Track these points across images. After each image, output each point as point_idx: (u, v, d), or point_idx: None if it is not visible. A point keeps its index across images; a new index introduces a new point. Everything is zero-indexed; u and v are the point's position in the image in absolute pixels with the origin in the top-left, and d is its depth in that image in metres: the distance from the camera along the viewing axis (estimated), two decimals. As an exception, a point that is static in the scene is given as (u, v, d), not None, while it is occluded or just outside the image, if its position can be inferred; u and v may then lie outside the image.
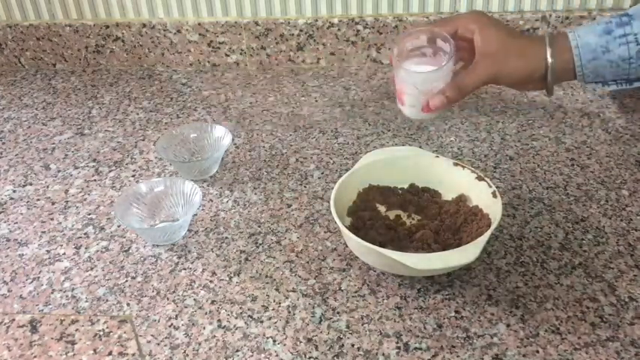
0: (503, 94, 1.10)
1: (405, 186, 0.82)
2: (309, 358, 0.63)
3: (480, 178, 0.76)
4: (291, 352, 0.64)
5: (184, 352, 0.65)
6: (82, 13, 1.26)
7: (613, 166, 0.90)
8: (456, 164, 0.78)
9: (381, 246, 0.67)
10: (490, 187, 0.74)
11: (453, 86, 0.70)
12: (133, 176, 0.95)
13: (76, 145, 1.04)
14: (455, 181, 0.78)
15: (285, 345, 0.65)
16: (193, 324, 0.68)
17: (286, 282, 0.73)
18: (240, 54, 1.26)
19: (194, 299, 0.71)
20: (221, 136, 0.93)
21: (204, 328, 0.67)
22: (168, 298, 0.72)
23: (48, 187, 0.94)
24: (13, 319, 0.70)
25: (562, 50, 0.66)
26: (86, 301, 0.72)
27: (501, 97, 1.09)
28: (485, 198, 0.74)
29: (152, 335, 0.67)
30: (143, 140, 1.04)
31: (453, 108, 1.07)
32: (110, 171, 0.96)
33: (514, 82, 0.72)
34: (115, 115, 1.13)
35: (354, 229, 0.73)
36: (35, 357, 0.65)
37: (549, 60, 0.66)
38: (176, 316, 0.69)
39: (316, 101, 1.12)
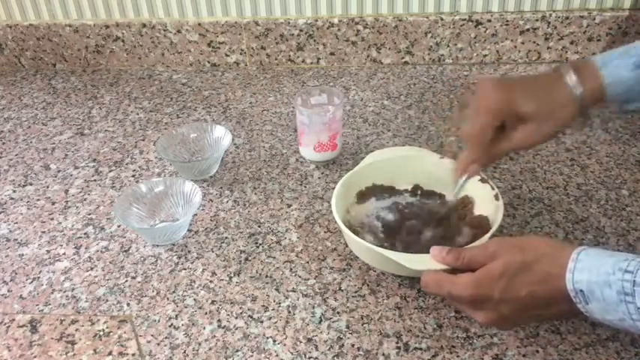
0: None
1: (409, 187, 0.82)
2: (309, 358, 0.63)
3: (483, 181, 0.76)
4: (291, 352, 0.64)
5: (184, 352, 0.65)
6: (82, 13, 1.26)
7: (613, 166, 0.90)
8: None
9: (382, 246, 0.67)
10: (493, 189, 0.74)
11: (487, 155, 0.67)
12: (133, 176, 0.95)
13: (76, 145, 1.04)
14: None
15: (285, 345, 0.65)
16: (193, 324, 0.68)
17: (286, 282, 0.73)
18: (240, 54, 1.26)
19: (194, 299, 0.71)
20: (221, 136, 0.93)
21: (204, 328, 0.67)
22: (168, 298, 0.72)
23: (48, 187, 0.93)
24: (13, 319, 0.70)
25: (592, 86, 0.63)
26: (86, 301, 0.72)
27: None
28: (487, 200, 0.74)
29: (152, 335, 0.67)
30: (143, 140, 1.04)
31: (453, 108, 1.07)
32: (110, 171, 0.96)
33: (550, 139, 0.67)
34: (115, 115, 1.13)
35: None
36: (35, 357, 0.65)
37: (575, 89, 0.63)
38: (176, 316, 0.69)
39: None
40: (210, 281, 0.74)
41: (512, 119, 0.64)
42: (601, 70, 0.63)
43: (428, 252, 0.63)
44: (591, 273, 0.50)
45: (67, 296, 0.73)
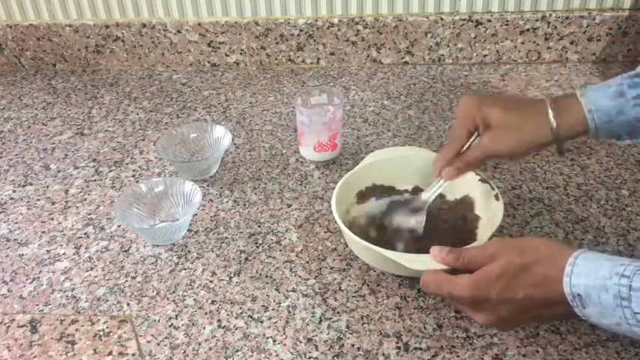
0: (502, 93, 1.11)
1: (409, 187, 0.82)
2: (309, 358, 0.63)
3: (483, 181, 0.76)
4: (291, 352, 0.64)
5: (184, 352, 0.65)
6: (82, 13, 1.26)
7: (613, 166, 0.90)
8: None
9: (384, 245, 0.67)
10: (493, 189, 0.74)
11: (461, 159, 0.71)
12: (133, 176, 0.95)
13: (76, 145, 1.04)
14: (458, 182, 0.78)
15: (285, 345, 0.65)
16: (193, 324, 0.68)
17: (286, 282, 0.73)
18: (240, 54, 1.26)
19: (194, 299, 0.71)
20: (221, 136, 0.93)
21: (204, 328, 0.67)
22: (168, 298, 0.72)
23: (48, 187, 0.94)
24: (13, 319, 0.70)
25: (568, 115, 0.64)
26: (86, 301, 0.72)
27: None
28: (487, 200, 0.74)
29: (152, 335, 0.67)
30: (143, 140, 1.04)
31: (453, 108, 1.07)
32: (110, 171, 0.96)
33: (518, 154, 0.69)
34: (115, 115, 1.13)
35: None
36: (35, 357, 0.65)
37: (554, 125, 0.64)
38: (176, 316, 0.69)
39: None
40: (210, 281, 0.74)
41: (482, 126, 0.67)
42: (580, 99, 0.63)
43: (428, 252, 0.63)
44: (588, 277, 0.51)
45: (67, 296, 0.73)
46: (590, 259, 0.52)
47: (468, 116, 0.68)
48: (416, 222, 0.74)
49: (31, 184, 0.94)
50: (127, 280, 0.75)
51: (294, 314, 0.68)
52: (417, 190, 0.81)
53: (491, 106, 0.66)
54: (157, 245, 0.80)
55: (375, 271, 0.73)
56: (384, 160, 0.82)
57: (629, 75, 0.63)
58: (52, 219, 0.86)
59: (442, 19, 1.17)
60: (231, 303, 0.70)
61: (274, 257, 0.76)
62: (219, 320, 0.68)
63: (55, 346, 0.67)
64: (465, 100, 0.69)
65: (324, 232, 0.80)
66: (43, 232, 0.84)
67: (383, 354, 0.63)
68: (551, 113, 0.64)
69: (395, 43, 1.21)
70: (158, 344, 0.66)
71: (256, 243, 0.79)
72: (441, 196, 0.80)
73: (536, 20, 1.16)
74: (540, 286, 0.54)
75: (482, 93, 1.11)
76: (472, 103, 0.68)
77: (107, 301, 0.72)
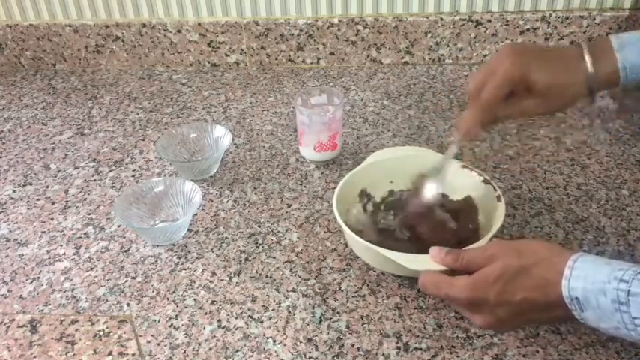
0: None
1: (409, 188, 0.82)
2: (309, 358, 0.63)
3: (486, 182, 0.76)
4: (291, 352, 0.64)
5: (184, 352, 0.65)
6: (82, 13, 1.26)
7: (613, 166, 0.90)
8: (463, 167, 0.78)
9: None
10: (495, 190, 0.74)
11: (488, 116, 0.66)
12: (133, 176, 0.95)
13: (76, 145, 1.04)
14: (461, 183, 0.78)
15: (285, 345, 0.65)
16: (193, 324, 0.68)
17: (286, 282, 0.73)
18: (240, 54, 1.26)
19: (194, 299, 0.71)
20: (221, 136, 0.93)
21: (204, 328, 0.67)
22: (168, 298, 0.72)
23: (48, 187, 0.93)
24: (13, 319, 0.70)
25: (605, 69, 0.63)
26: (86, 301, 0.72)
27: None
28: (489, 201, 0.74)
29: (152, 335, 0.67)
30: (143, 140, 1.04)
31: (454, 108, 1.07)
32: (110, 171, 0.96)
33: (547, 84, 0.64)
34: (115, 115, 1.13)
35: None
36: (35, 357, 0.65)
37: (591, 70, 0.63)
38: (176, 316, 0.69)
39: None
40: (210, 281, 0.74)
41: (523, 88, 0.64)
42: (617, 54, 0.62)
43: (427, 252, 0.63)
44: (587, 281, 0.51)
45: (67, 296, 0.73)
46: (588, 262, 0.52)
47: (509, 80, 0.63)
48: (437, 187, 0.73)
49: (31, 184, 0.94)
50: (127, 280, 0.75)
51: (294, 314, 0.68)
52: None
53: (537, 72, 0.63)
54: (157, 245, 0.80)
55: (375, 271, 0.73)
56: (385, 160, 0.82)
57: None
58: (52, 219, 0.86)
59: (442, 19, 1.17)
60: (231, 303, 0.70)
61: (274, 257, 0.76)
62: (219, 320, 0.68)
63: (55, 346, 0.67)
64: (508, 60, 0.64)
65: (324, 232, 0.80)
66: (43, 232, 0.84)
67: (383, 354, 0.63)
68: (590, 68, 0.63)
69: (395, 43, 1.21)
70: (158, 344, 0.66)
71: (256, 243, 0.79)
72: (443, 196, 0.80)
73: (536, 20, 1.16)
74: (539, 288, 0.54)
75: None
76: (516, 65, 0.63)
77: (107, 301, 0.72)
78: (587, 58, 0.63)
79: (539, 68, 0.63)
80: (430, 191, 0.73)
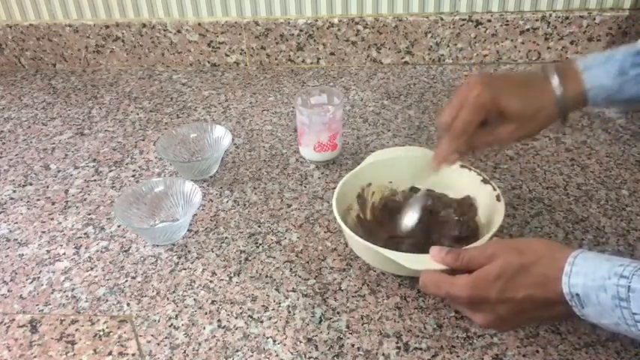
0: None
1: (408, 188, 0.81)
2: (309, 358, 0.63)
3: (485, 181, 0.76)
4: (291, 352, 0.64)
5: (184, 352, 0.65)
6: (82, 13, 1.26)
7: (613, 166, 0.90)
8: (462, 166, 0.78)
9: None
10: (495, 190, 0.74)
11: (465, 145, 0.67)
12: (133, 176, 0.95)
13: (76, 145, 1.04)
14: (460, 182, 0.78)
15: (285, 345, 0.65)
16: (193, 324, 0.68)
17: (286, 282, 0.73)
18: (240, 54, 1.26)
19: (194, 299, 0.71)
20: (221, 136, 0.93)
21: (204, 328, 0.67)
22: (168, 298, 0.72)
23: (48, 187, 0.93)
24: (13, 319, 0.70)
25: (572, 91, 0.64)
26: (86, 301, 0.72)
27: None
28: (489, 201, 0.74)
29: (152, 335, 0.67)
30: (143, 140, 1.04)
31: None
32: (110, 171, 0.96)
33: (519, 109, 0.65)
34: (115, 115, 1.13)
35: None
36: (35, 357, 0.65)
37: (558, 92, 0.63)
38: (176, 316, 0.69)
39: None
40: (210, 281, 0.74)
41: (495, 116, 0.65)
42: (582, 75, 0.64)
43: (427, 252, 0.63)
44: (587, 277, 0.51)
45: (67, 296, 0.73)
46: (589, 258, 0.52)
47: (481, 107, 0.64)
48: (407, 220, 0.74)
49: (31, 184, 0.94)
50: (127, 280, 0.75)
51: (294, 314, 0.68)
52: (415, 190, 0.81)
53: (508, 97, 0.64)
54: (157, 245, 0.80)
55: (375, 271, 0.73)
56: (385, 160, 0.82)
57: (633, 52, 0.63)
58: (52, 219, 0.86)
59: (442, 19, 1.17)
60: (231, 303, 0.70)
61: (274, 257, 0.76)
62: (219, 320, 0.68)
63: (55, 346, 0.67)
64: (476, 89, 0.64)
65: (324, 232, 0.80)
66: (43, 232, 0.84)
67: (383, 354, 0.63)
68: (558, 93, 0.64)
69: (395, 43, 1.21)
70: (158, 344, 0.66)
71: (256, 243, 0.79)
72: (443, 196, 0.80)
73: (536, 20, 1.16)
74: (540, 285, 0.54)
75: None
76: (486, 93, 0.64)
77: (107, 301, 0.72)
78: (554, 82, 0.64)
79: (510, 94, 0.64)
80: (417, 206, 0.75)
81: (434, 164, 0.70)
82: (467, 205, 0.77)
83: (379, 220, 0.79)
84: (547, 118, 0.65)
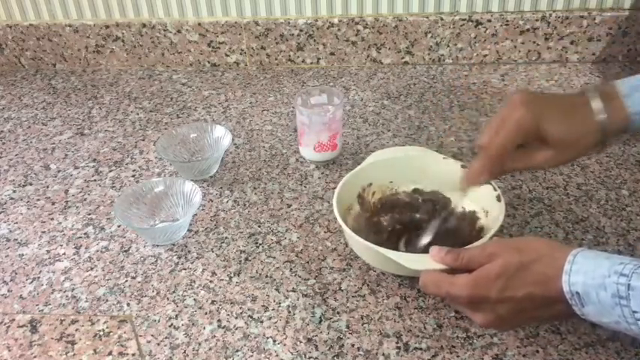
0: (502, 93, 1.11)
1: (409, 189, 0.81)
2: (309, 358, 0.63)
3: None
4: (291, 352, 0.64)
5: (184, 352, 0.65)
6: (82, 13, 1.26)
7: (613, 166, 0.90)
8: (462, 166, 0.78)
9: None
10: (495, 190, 0.74)
11: (498, 167, 0.65)
12: (133, 176, 0.95)
13: (76, 145, 1.04)
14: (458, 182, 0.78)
15: (285, 345, 0.65)
16: (193, 324, 0.68)
17: (286, 282, 0.73)
18: (240, 54, 1.26)
19: (194, 299, 0.71)
20: (221, 136, 0.93)
21: (204, 328, 0.67)
22: (168, 298, 0.72)
23: (48, 187, 0.94)
24: (13, 319, 0.70)
25: (615, 118, 0.61)
26: (86, 301, 0.72)
27: (501, 96, 1.09)
28: (489, 201, 0.74)
29: (152, 335, 0.67)
30: (143, 140, 1.04)
31: (454, 108, 1.07)
32: (110, 171, 0.96)
33: (562, 135, 0.62)
34: (115, 115, 1.13)
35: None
36: (35, 357, 0.65)
37: (601, 116, 0.60)
38: (176, 316, 0.69)
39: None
40: (210, 281, 0.74)
41: (535, 139, 0.62)
42: (625, 99, 0.61)
43: (427, 252, 0.63)
44: (587, 275, 0.51)
45: (67, 296, 0.73)
46: (589, 257, 0.52)
47: (521, 130, 0.62)
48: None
49: (31, 184, 0.94)
50: (127, 280, 0.75)
51: (294, 314, 0.68)
52: (416, 192, 0.81)
53: (551, 122, 0.61)
54: (157, 245, 0.80)
55: (375, 271, 0.73)
56: (385, 160, 0.82)
57: None
58: (52, 219, 0.86)
59: (442, 19, 1.17)
60: (231, 303, 0.70)
61: (274, 257, 0.76)
62: (219, 320, 0.68)
63: (55, 346, 0.67)
64: (518, 110, 0.62)
65: (324, 232, 0.80)
66: (43, 232, 0.84)
67: (383, 354, 0.63)
68: (602, 119, 0.61)
69: (395, 43, 1.21)
70: (158, 344, 0.66)
71: (256, 243, 0.79)
72: (445, 198, 0.80)
73: (536, 20, 1.16)
74: (540, 284, 0.54)
75: (482, 93, 1.11)
76: (528, 115, 0.61)
77: (107, 301, 0.72)
78: (597, 106, 0.61)
79: (553, 119, 0.61)
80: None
81: (463, 183, 0.68)
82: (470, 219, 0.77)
83: (380, 220, 0.79)
84: (587, 146, 0.63)
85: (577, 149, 0.63)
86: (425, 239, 0.73)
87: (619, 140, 0.92)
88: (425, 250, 0.71)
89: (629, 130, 0.62)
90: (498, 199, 0.72)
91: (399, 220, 0.78)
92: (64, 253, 0.80)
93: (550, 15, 1.16)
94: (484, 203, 0.75)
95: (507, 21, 1.17)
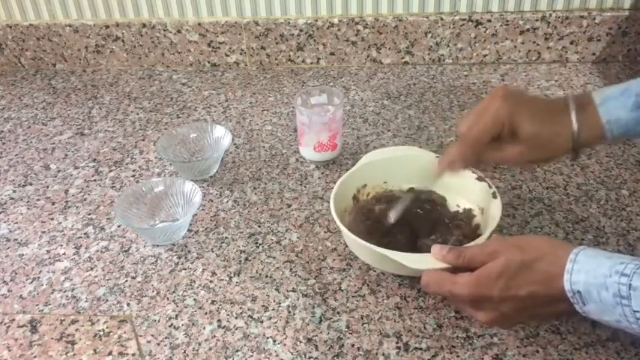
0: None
1: (406, 188, 0.81)
2: (309, 358, 0.63)
3: (480, 179, 0.76)
4: (291, 352, 0.64)
5: (184, 352, 0.65)
6: (82, 13, 1.26)
7: (613, 166, 0.90)
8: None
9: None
10: (490, 187, 0.74)
11: (471, 158, 0.67)
12: (133, 176, 0.95)
13: (76, 145, 1.04)
14: (455, 181, 0.78)
15: (285, 345, 0.65)
16: (193, 324, 0.68)
17: (286, 282, 0.73)
18: (240, 54, 1.26)
19: (194, 299, 0.71)
20: (221, 136, 0.93)
21: (204, 328, 0.67)
22: (168, 298, 0.72)
23: (48, 187, 0.94)
24: (13, 319, 0.70)
25: (588, 126, 0.62)
26: (86, 301, 0.72)
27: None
28: (485, 198, 0.74)
29: (152, 335, 0.67)
30: (143, 140, 1.04)
31: (454, 108, 1.07)
32: (110, 171, 0.96)
33: (532, 132, 0.64)
34: (115, 115, 1.13)
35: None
36: (35, 357, 0.65)
37: (575, 126, 0.62)
38: (176, 316, 0.69)
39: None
40: (210, 281, 0.74)
41: (508, 134, 0.64)
42: (599, 109, 0.62)
43: (428, 251, 0.63)
44: (588, 274, 0.51)
45: (67, 296, 0.73)
46: (590, 256, 0.52)
47: (498, 120, 0.63)
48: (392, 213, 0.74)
49: (31, 184, 0.94)
50: (127, 280, 0.75)
51: (294, 314, 0.68)
52: (411, 191, 0.81)
53: (525, 117, 0.63)
54: (157, 245, 0.80)
55: (375, 271, 0.73)
56: (382, 160, 0.82)
57: None
58: (52, 219, 0.86)
59: (442, 19, 1.17)
60: (231, 303, 0.70)
61: (274, 257, 0.76)
62: (219, 320, 0.68)
63: (55, 346, 0.67)
64: (498, 101, 0.64)
65: (324, 232, 0.80)
66: (43, 232, 0.84)
67: (383, 354, 0.63)
68: (575, 125, 0.62)
69: (395, 43, 1.21)
70: (158, 344, 0.66)
71: (256, 243, 0.79)
72: (442, 198, 0.80)
73: (536, 20, 1.16)
74: (542, 283, 0.54)
75: (481, 93, 1.11)
76: (505, 107, 0.63)
77: (107, 301, 0.72)
78: (572, 113, 0.62)
79: (527, 115, 0.63)
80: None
81: (437, 169, 0.69)
82: (466, 218, 0.77)
83: (375, 219, 0.78)
84: (558, 149, 0.64)
85: (547, 151, 0.64)
86: (393, 214, 0.74)
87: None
88: (392, 227, 0.72)
89: (605, 139, 0.63)
90: (494, 196, 0.72)
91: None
92: (64, 253, 0.80)
93: (550, 15, 1.16)
94: (480, 201, 0.75)
95: (507, 21, 1.17)
